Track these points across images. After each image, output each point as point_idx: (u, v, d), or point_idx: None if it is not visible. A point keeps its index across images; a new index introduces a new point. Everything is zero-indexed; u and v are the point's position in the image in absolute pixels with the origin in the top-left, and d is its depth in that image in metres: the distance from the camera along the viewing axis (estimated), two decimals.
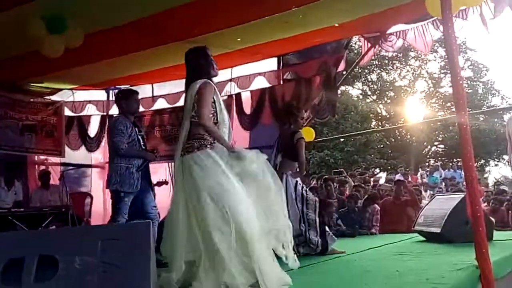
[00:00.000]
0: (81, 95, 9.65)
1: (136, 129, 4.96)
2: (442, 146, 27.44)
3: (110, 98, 9.89)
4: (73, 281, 1.68)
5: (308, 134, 8.87)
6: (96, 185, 9.92)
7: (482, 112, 24.23)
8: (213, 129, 3.39)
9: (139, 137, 4.95)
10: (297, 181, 5.10)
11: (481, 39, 42.25)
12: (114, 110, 9.93)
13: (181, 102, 6.15)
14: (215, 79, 3.74)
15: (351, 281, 3.37)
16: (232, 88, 8.65)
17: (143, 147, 4.98)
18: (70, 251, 1.77)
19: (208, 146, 3.36)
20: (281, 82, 8.43)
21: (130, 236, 1.86)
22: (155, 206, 4.90)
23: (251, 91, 8.62)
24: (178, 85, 8.18)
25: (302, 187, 5.09)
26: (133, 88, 9.26)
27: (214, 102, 3.45)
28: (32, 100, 8.76)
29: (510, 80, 47.18)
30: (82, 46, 5.42)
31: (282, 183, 4.96)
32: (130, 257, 1.78)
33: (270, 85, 8.48)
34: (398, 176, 14.10)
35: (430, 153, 27.82)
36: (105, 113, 9.94)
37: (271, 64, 8.54)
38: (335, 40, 7.69)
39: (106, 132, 9.90)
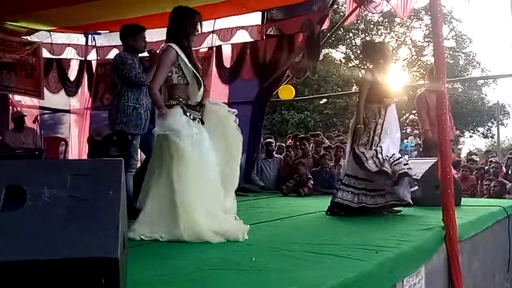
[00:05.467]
0: (59, 38, 9.42)
1: (143, 68, 4.55)
2: None
3: (89, 43, 9.71)
4: (40, 213, 1.66)
5: (288, 91, 8.87)
6: (73, 133, 9.86)
7: (460, 80, 24.41)
8: (153, 93, 3.56)
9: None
10: None
11: (467, 10, 42.28)
12: (93, 56, 9.77)
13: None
14: None
15: (322, 235, 3.44)
16: (213, 40, 8.52)
17: None
18: (39, 183, 1.74)
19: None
20: (264, 38, 8.33)
21: (102, 172, 1.84)
22: None
23: (232, 45, 8.51)
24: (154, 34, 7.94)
25: None
26: (113, 33, 9.11)
27: (179, 64, 3.53)
28: (10, 39, 8.50)
29: (491, 53, 47.50)
30: None
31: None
32: (100, 193, 1.76)
33: (252, 40, 8.38)
34: None
35: (407, 121, 28.13)
36: (83, 58, 9.74)
37: (255, 18, 8.41)
38: None
39: (86, 78, 9.76)
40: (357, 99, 4.91)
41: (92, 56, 9.81)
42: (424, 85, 7.74)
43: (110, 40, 9.40)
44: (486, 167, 8.89)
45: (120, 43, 4.81)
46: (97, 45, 9.73)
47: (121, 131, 4.39)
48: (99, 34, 9.56)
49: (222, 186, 3.53)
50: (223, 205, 3.52)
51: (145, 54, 4.70)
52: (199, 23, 3.71)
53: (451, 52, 26.51)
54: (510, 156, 8.37)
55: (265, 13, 8.34)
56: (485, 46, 50.23)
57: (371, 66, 4.94)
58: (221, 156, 3.59)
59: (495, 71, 29.57)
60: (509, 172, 8.17)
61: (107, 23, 8.25)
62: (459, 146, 25.13)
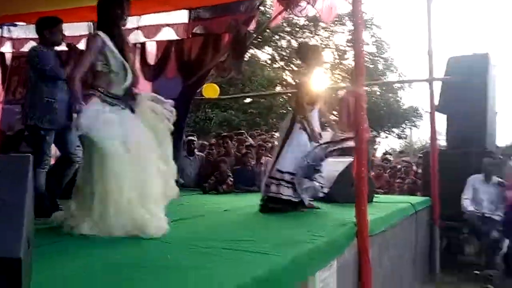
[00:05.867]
0: None
1: (59, 61, 4.38)
2: None
3: (4, 35, 9.19)
4: None
5: (212, 90, 8.88)
6: None
7: (378, 83, 25.53)
8: (72, 82, 3.48)
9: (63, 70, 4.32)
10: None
11: (387, 17, 44.34)
12: (7, 48, 9.26)
13: None
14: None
15: (239, 232, 3.48)
16: (137, 37, 8.35)
17: None
18: None
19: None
20: (190, 36, 8.28)
21: (8, 169, 1.76)
22: (79, 146, 4.15)
23: (157, 42, 8.38)
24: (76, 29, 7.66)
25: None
26: (30, 26, 8.69)
27: (105, 52, 3.49)
28: None
29: (407, 58, 50.32)
30: None
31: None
32: (5, 191, 1.69)
33: (178, 38, 8.30)
34: None
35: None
36: None
37: (181, 16, 8.32)
38: None
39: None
40: (296, 102, 5.10)
41: (7, 48, 9.27)
42: (345, 88, 8.04)
43: (27, 32, 8.92)
44: (399, 166, 9.39)
45: (37, 36, 4.61)
46: (13, 37, 9.24)
47: (34, 125, 4.20)
48: (15, 25, 9.08)
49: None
50: (165, 193, 3.50)
51: (63, 47, 4.54)
52: (127, 8, 3.64)
53: (371, 57, 27.59)
54: (421, 155, 8.87)
55: (192, 12, 8.29)
56: (402, 52, 52.95)
57: (301, 68, 5.11)
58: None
59: (411, 76, 31.16)
60: (419, 171, 8.67)
61: (25, 15, 7.86)
62: (375, 146, 26.24)
